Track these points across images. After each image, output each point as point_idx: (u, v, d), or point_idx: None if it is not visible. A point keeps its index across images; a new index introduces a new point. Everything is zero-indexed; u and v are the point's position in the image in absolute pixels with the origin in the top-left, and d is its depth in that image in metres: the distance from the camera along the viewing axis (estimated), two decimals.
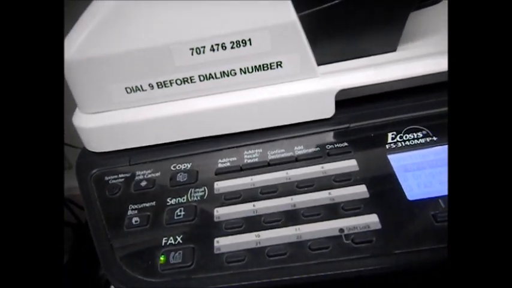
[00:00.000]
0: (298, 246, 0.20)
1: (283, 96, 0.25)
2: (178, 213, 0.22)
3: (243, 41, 0.23)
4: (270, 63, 0.24)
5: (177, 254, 0.20)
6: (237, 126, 0.26)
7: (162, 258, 0.20)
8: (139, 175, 0.25)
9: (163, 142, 0.26)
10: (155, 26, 0.22)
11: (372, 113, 0.25)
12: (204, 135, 0.26)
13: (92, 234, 0.23)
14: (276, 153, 0.25)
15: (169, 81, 0.24)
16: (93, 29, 0.22)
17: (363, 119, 0.25)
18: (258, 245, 0.20)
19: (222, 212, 0.22)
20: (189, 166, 0.25)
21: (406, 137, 0.24)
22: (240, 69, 0.24)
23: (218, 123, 0.26)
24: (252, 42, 0.23)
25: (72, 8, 0.63)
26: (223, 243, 0.20)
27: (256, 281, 0.19)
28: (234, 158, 0.25)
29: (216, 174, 0.24)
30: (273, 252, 0.19)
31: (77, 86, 0.25)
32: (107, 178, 0.26)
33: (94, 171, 0.26)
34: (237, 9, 0.22)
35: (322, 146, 0.24)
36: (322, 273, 0.19)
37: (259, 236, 0.20)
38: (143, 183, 0.25)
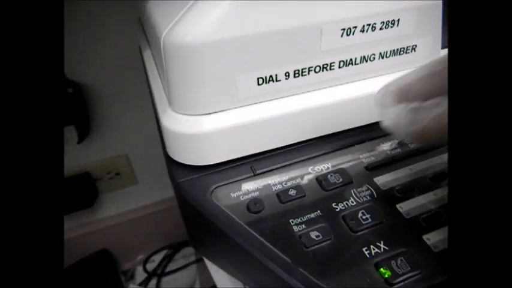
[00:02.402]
0: None
1: None
2: (364, 218, 0.19)
3: (392, 22, 0.21)
4: (407, 47, 0.23)
5: (398, 262, 0.17)
6: (368, 117, 0.23)
7: (383, 271, 0.16)
8: (276, 184, 0.21)
9: (294, 142, 0.22)
10: (306, 1, 0.19)
11: None
12: (339, 130, 0.23)
13: (268, 265, 0.17)
14: None
15: (308, 68, 0.21)
16: (227, 6, 0.18)
17: None
18: None
19: (408, 207, 0.19)
20: (330, 166, 0.22)
21: None
22: (380, 53, 0.22)
23: (352, 115, 0.23)
24: (399, 23, 0.21)
25: (72, 8, 0.51)
26: (437, 239, 0.18)
27: None
28: (375, 152, 0.23)
29: (368, 170, 0.21)
30: None
31: (192, 79, 0.19)
32: (234, 194, 0.20)
33: (212, 188, 0.20)
34: None
35: None
36: None
37: None
38: (292, 192, 0.20)
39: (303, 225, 0.18)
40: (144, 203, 0.75)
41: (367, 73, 0.23)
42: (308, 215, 0.19)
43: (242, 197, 0.20)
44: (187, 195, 0.20)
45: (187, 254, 0.79)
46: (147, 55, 0.32)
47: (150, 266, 0.76)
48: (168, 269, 0.76)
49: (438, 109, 0.15)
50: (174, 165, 0.22)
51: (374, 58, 0.22)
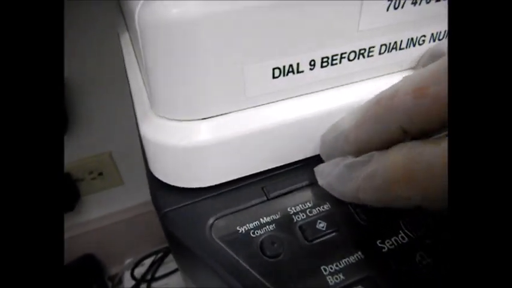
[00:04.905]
0: None
1: None
2: (424, 263, 0.13)
3: None
4: None
5: None
6: None
7: None
8: (298, 213, 0.15)
9: (318, 153, 0.17)
10: None
11: None
12: None
13: None
14: None
15: (341, 55, 0.15)
16: None
17: None
18: None
19: None
20: None
21: None
22: (432, 34, 0.17)
23: None
24: None
25: (71, 8, 0.44)
26: None
27: None
28: None
29: None
30: None
31: (181, 71, 0.14)
32: (242, 229, 0.15)
33: (211, 220, 0.15)
34: None
35: None
36: None
37: None
38: (320, 226, 0.15)
39: (341, 275, 0.13)
40: (130, 204, 0.69)
41: (412, 62, 0.17)
42: (346, 259, 0.14)
43: (253, 233, 0.15)
44: (178, 231, 0.15)
45: None
46: (125, 42, 0.26)
47: (139, 271, 0.71)
48: (158, 274, 0.71)
49: (370, 166, 0.13)
50: (159, 188, 0.16)
51: (424, 41, 0.17)
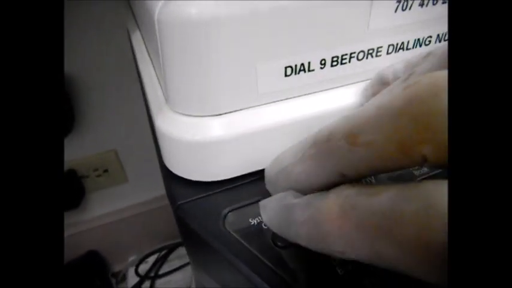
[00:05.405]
0: None
1: None
2: None
3: None
4: None
5: None
6: None
7: None
8: None
9: None
10: None
11: None
12: None
13: None
14: None
15: (350, 54, 0.16)
16: None
17: None
18: None
19: None
20: (374, 181, 0.17)
21: None
22: (438, 35, 0.17)
23: None
24: None
25: (71, 8, 0.45)
26: None
27: None
28: None
29: None
30: None
31: (197, 68, 0.14)
32: (254, 221, 0.15)
33: (224, 212, 0.15)
34: None
35: None
36: None
37: None
38: None
39: (350, 266, 0.14)
40: (135, 202, 0.70)
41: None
42: None
43: (265, 225, 0.15)
44: (192, 222, 0.15)
45: (182, 254, 0.74)
46: (137, 39, 0.26)
47: (143, 268, 0.72)
48: (162, 271, 0.72)
49: (306, 212, 0.12)
50: (173, 182, 0.17)
51: (430, 41, 0.17)
